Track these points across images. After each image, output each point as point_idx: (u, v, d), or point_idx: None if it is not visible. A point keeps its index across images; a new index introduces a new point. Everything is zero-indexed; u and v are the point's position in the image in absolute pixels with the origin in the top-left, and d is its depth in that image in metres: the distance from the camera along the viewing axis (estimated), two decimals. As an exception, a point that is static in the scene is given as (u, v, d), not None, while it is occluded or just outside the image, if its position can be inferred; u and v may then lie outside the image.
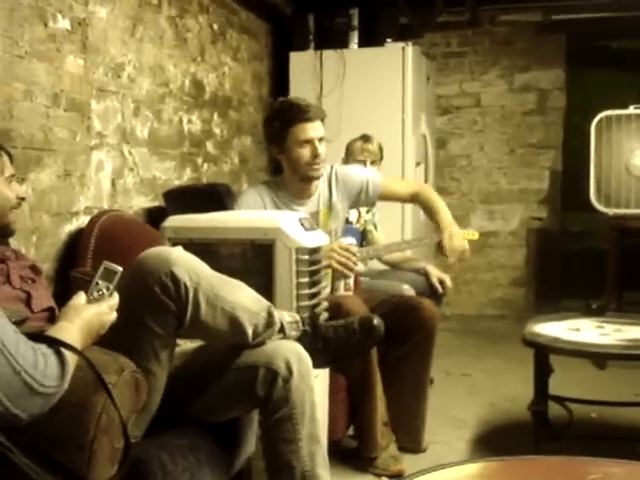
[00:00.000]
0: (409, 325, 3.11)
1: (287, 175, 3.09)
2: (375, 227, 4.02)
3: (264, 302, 2.07)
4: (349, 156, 4.09)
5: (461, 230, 3.93)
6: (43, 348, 1.43)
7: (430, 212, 3.31)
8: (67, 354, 1.46)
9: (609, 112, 4.81)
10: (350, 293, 2.94)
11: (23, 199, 2.17)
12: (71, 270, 2.99)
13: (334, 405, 2.81)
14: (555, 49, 6.10)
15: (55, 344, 1.47)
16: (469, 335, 4.88)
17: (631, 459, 1.74)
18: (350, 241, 3.09)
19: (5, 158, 2.11)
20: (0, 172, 2.07)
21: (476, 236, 4.23)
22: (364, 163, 3.99)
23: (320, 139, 3.00)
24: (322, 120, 3.04)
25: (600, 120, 4.82)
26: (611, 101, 5.03)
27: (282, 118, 3.01)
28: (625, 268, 4.78)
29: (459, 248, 3.22)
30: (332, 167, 3.23)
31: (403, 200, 3.54)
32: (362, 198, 3.25)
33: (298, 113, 3.01)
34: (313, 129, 2.99)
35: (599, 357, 3.31)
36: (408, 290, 3.72)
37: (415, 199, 3.36)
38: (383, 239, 3.96)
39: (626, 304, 4.69)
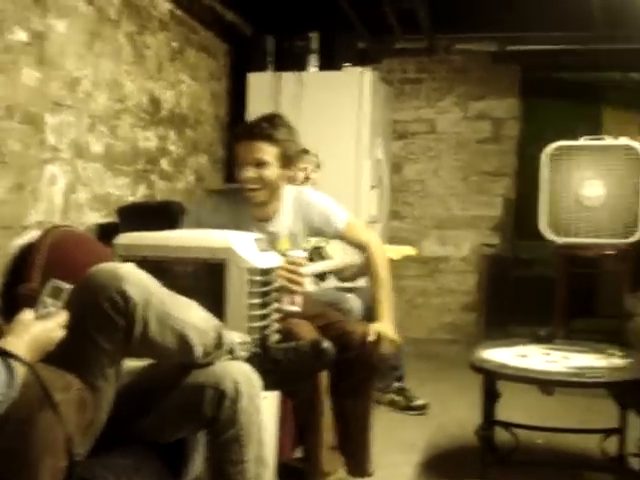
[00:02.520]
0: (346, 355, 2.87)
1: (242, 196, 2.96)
2: (327, 242, 3.99)
3: (214, 322, 2.06)
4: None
5: (397, 247, 3.96)
6: None
7: (375, 292, 3.09)
8: (15, 364, 1.44)
9: (561, 143, 4.90)
10: (296, 309, 2.84)
11: None
12: (18, 286, 2.94)
13: (282, 426, 2.80)
14: (510, 79, 6.22)
15: (2, 354, 1.45)
16: (419, 359, 4.91)
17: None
18: (299, 254, 3.00)
19: None
20: None
21: (413, 251, 4.29)
22: (305, 170, 4.03)
23: (258, 163, 2.83)
24: (270, 141, 2.84)
25: (552, 150, 4.91)
26: (564, 131, 5.14)
27: (233, 132, 2.99)
28: (573, 296, 4.86)
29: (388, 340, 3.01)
30: (299, 191, 3.11)
31: (357, 248, 3.25)
32: (322, 232, 3.13)
33: (238, 132, 2.94)
34: (247, 150, 2.84)
35: (545, 383, 3.35)
36: (353, 299, 3.74)
37: (367, 259, 3.13)
38: (339, 251, 3.97)
39: (574, 331, 4.76)
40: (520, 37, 5.77)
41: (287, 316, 2.74)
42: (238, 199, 2.95)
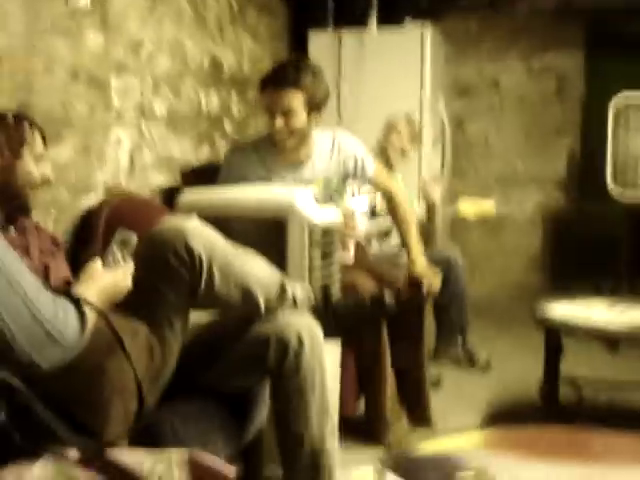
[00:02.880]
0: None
1: (271, 141, 2.98)
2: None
3: (277, 274, 2.10)
4: (388, 130, 4.20)
5: (476, 200, 3.97)
6: (64, 302, 1.47)
7: (405, 237, 3.23)
8: (86, 310, 1.50)
9: (628, 93, 4.79)
10: (348, 254, 2.91)
11: (48, 181, 2.13)
12: (84, 251, 3.02)
13: (345, 381, 2.84)
14: (574, 33, 6.07)
15: (75, 300, 1.51)
16: (482, 317, 4.89)
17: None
18: (352, 204, 3.07)
19: (37, 135, 2.10)
20: (30, 148, 2.05)
21: (492, 209, 4.28)
22: (400, 139, 4.09)
23: (285, 112, 2.83)
24: (296, 87, 2.83)
25: (618, 104, 4.80)
26: (630, 86, 5.01)
27: (260, 80, 2.96)
28: (638, 254, 4.78)
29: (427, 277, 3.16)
30: (334, 136, 3.11)
31: (383, 193, 3.35)
32: (354, 175, 3.15)
33: (266, 78, 2.94)
34: (273, 99, 2.85)
35: (609, 337, 3.32)
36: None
37: (393, 205, 3.24)
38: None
39: (638, 288, 4.69)
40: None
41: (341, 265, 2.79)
42: (268, 146, 2.96)
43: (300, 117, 2.87)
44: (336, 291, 2.61)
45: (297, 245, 2.44)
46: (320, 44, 5.39)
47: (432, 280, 3.14)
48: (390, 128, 4.19)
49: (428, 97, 5.23)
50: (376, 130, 4.95)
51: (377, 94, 5.18)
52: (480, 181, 6.35)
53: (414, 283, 3.10)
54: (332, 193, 3.07)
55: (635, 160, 4.78)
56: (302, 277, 2.42)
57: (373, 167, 3.16)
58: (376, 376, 2.94)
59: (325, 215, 2.57)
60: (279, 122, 2.85)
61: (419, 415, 3.19)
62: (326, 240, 2.53)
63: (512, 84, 6.27)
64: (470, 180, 6.33)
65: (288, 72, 2.88)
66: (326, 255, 2.53)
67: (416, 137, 4.22)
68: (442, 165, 5.39)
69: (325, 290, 2.39)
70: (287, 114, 2.84)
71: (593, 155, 5.32)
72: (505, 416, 3.45)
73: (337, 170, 3.08)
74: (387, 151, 4.15)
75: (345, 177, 3.15)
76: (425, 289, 3.09)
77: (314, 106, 2.90)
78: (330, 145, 3.07)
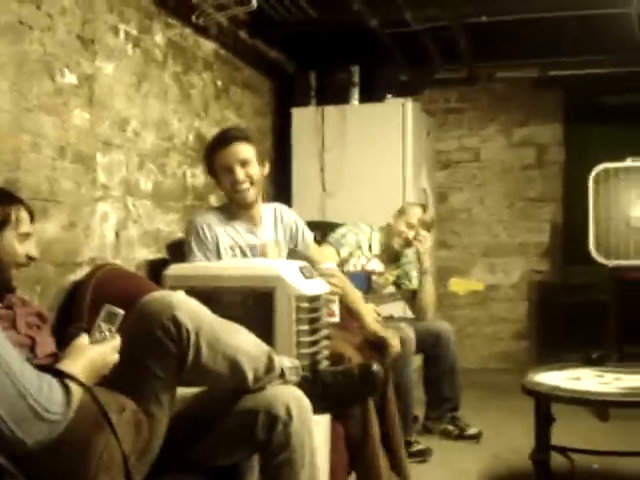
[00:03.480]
0: None
1: (228, 207, 3.12)
2: (410, 280, 4.22)
3: (264, 347, 2.10)
4: (401, 215, 4.17)
5: (466, 280, 4.02)
6: (48, 377, 1.46)
7: (352, 305, 3.30)
8: (71, 385, 1.48)
9: (607, 165, 4.88)
10: (334, 319, 2.92)
11: (33, 259, 2.14)
12: (69, 325, 3.00)
13: (334, 454, 2.80)
14: (553, 104, 6.21)
15: (59, 375, 1.49)
16: (471, 388, 4.86)
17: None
18: (330, 265, 3.11)
19: (24, 214, 2.10)
20: (14, 226, 2.06)
21: (481, 286, 4.29)
22: (412, 228, 4.11)
23: (242, 163, 2.99)
24: (246, 141, 3.02)
25: (598, 173, 4.88)
26: (609, 155, 5.09)
27: (208, 148, 3.12)
28: (626, 320, 4.79)
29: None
30: (275, 206, 3.26)
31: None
32: (295, 241, 3.25)
33: (216, 141, 3.09)
34: (229, 154, 3.00)
35: (599, 405, 3.32)
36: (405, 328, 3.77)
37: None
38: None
39: (627, 356, 4.69)
40: (562, 62, 5.76)
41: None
42: (228, 209, 3.10)
43: (255, 167, 3.04)
44: (324, 362, 2.59)
45: (284, 316, 2.43)
46: (303, 119, 5.48)
47: (392, 339, 3.31)
48: (401, 214, 4.18)
49: (410, 169, 5.31)
50: (359, 201, 5.03)
51: (360, 166, 5.26)
52: (465, 251, 6.40)
53: (374, 345, 3.24)
54: (286, 256, 3.18)
55: (616, 228, 4.83)
56: (290, 349, 2.41)
57: (311, 237, 3.31)
58: (367, 449, 2.90)
59: (311, 286, 2.57)
60: (240, 172, 3.00)
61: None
62: (313, 310, 2.52)
63: (493, 155, 6.38)
64: (455, 251, 6.37)
65: (235, 131, 3.15)
66: (314, 325, 2.52)
67: (428, 228, 4.21)
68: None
69: (313, 362, 2.39)
70: (245, 164, 3.01)
71: (576, 222, 5.38)
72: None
73: (283, 236, 3.21)
74: (391, 236, 4.15)
75: (290, 243, 3.25)
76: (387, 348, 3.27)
77: (261, 160, 3.09)
78: (272, 214, 3.21)
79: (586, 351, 3.52)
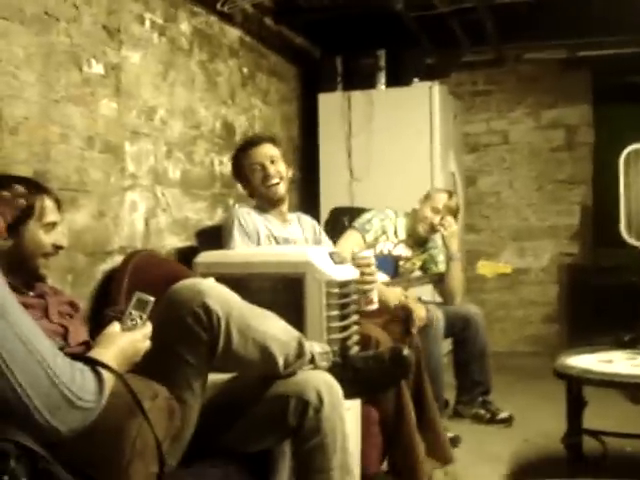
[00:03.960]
0: None
1: (259, 204, 3.25)
2: (436, 264, 4.21)
3: (294, 332, 2.10)
4: (427, 201, 4.15)
5: (494, 263, 4.01)
6: (80, 365, 1.47)
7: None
8: (103, 372, 1.50)
9: (637, 146, 4.82)
10: (373, 307, 2.96)
11: (61, 248, 2.15)
12: (105, 309, 3.04)
13: (367, 438, 2.81)
14: (581, 85, 6.15)
15: (92, 363, 1.51)
16: (502, 372, 4.84)
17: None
18: (367, 253, 3.13)
19: (48, 202, 2.11)
20: (39, 217, 2.08)
21: (509, 269, 4.27)
22: (438, 213, 4.10)
23: (272, 160, 3.20)
24: (273, 142, 3.29)
25: (629, 154, 4.83)
26: (639, 135, 5.04)
27: (237, 151, 3.35)
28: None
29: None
30: (297, 213, 3.44)
31: None
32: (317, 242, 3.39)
33: (244, 144, 3.34)
34: (260, 152, 3.21)
35: (632, 387, 3.28)
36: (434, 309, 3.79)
37: None
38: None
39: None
40: (590, 42, 5.68)
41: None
42: (263, 207, 3.24)
43: (283, 165, 3.24)
44: (354, 347, 2.60)
45: (315, 302, 2.44)
46: (330, 104, 5.47)
47: (418, 310, 3.47)
48: (426, 200, 4.17)
49: (438, 153, 5.28)
50: (387, 186, 5.01)
51: (387, 151, 5.24)
52: (494, 235, 6.36)
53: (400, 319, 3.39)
54: None
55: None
56: (320, 335, 2.41)
57: (330, 242, 3.48)
58: (402, 433, 2.91)
59: (341, 271, 2.57)
60: (270, 167, 3.19)
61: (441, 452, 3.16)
62: (343, 296, 2.53)
63: (522, 137, 6.32)
64: (484, 235, 6.34)
65: (262, 135, 3.52)
66: (344, 311, 2.53)
67: (453, 214, 4.19)
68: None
69: (343, 348, 2.40)
70: (274, 162, 3.21)
71: (606, 204, 5.33)
72: (529, 471, 3.39)
73: (310, 236, 3.36)
74: (417, 221, 4.14)
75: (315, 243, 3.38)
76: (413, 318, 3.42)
77: (287, 162, 3.32)
78: (295, 217, 3.39)
79: (618, 334, 3.50)
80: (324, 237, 3.44)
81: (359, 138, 5.35)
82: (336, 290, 2.49)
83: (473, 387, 4.20)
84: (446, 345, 4.19)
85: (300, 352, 2.08)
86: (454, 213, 4.19)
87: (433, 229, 4.12)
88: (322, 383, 2.05)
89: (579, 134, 6.23)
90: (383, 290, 3.49)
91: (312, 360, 2.12)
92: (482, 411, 4.19)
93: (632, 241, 4.79)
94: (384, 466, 3.14)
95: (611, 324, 5.24)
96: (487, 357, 4.20)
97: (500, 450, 3.66)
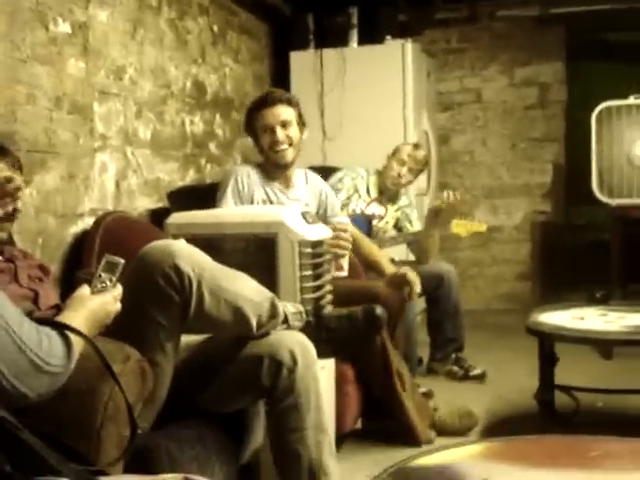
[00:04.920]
0: None
1: (264, 165, 3.19)
2: (411, 223, 4.25)
3: (267, 293, 2.10)
4: (394, 155, 4.17)
5: (468, 222, 4.02)
6: (47, 330, 1.46)
7: (367, 254, 3.44)
8: (71, 336, 1.48)
9: (609, 103, 4.82)
10: (343, 273, 2.95)
11: (15, 212, 2.00)
12: (77, 272, 3.01)
13: (342, 397, 2.82)
14: (555, 42, 6.12)
15: (59, 327, 1.49)
16: (475, 329, 4.88)
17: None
18: (343, 220, 3.13)
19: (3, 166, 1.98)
20: None
21: (483, 228, 4.29)
22: (403, 164, 4.10)
23: (283, 124, 3.08)
24: (288, 103, 3.12)
25: (601, 111, 4.83)
26: (612, 93, 5.04)
27: (250, 108, 3.21)
28: (629, 259, 4.79)
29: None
30: (305, 172, 3.35)
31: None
32: (324, 207, 3.33)
33: (259, 101, 3.19)
34: (271, 115, 3.08)
35: (603, 344, 3.33)
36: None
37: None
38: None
39: (631, 295, 4.69)
40: (563, -1, 5.67)
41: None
42: (266, 170, 3.16)
43: (295, 130, 3.13)
44: (328, 307, 2.60)
45: (287, 262, 2.43)
46: (302, 63, 5.41)
47: (412, 277, 3.29)
48: (394, 154, 4.19)
49: (411, 111, 5.25)
50: (360, 145, 4.99)
51: (360, 110, 5.20)
52: (467, 194, 6.36)
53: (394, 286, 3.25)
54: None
55: (620, 166, 4.80)
56: (293, 295, 2.41)
57: (338, 205, 3.46)
58: (389, 389, 2.94)
59: (314, 231, 2.56)
60: (280, 133, 3.08)
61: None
62: (316, 256, 2.52)
63: (495, 95, 6.30)
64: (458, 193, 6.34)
65: (279, 93, 3.21)
66: (317, 271, 2.52)
67: (420, 165, 4.21)
68: (428, 180, 5.39)
69: (316, 307, 2.39)
70: (285, 126, 3.10)
71: (579, 162, 5.34)
72: (502, 427, 3.43)
73: (312, 200, 3.29)
74: (385, 176, 4.16)
75: (318, 207, 3.32)
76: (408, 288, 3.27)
77: (302, 123, 3.17)
78: (304, 177, 3.31)
79: (590, 290, 3.53)
80: (334, 202, 3.39)
81: (331, 97, 5.30)
82: (309, 250, 2.48)
83: (446, 344, 4.23)
84: (420, 303, 4.20)
85: (273, 312, 2.07)
86: (420, 164, 4.21)
87: (400, 182, 4.14)
88: (295, 343, 2.05)
89: (552, 92, 6.21)
90: (376, 254, 3.48)
91: (285, 320, 2.11)
92: (455, 368, 4.23)
93: (603, 198, 4.81)
94: (359, 424, 3.18)
95: (584, 281, 5.31)
96: (460, 315, 4.23)
97: (474, 406, 3.68)
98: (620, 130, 4.81)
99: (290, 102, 3.14)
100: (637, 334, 2.94)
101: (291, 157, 3.12)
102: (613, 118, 4.80)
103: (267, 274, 2.39)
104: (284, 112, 3.10)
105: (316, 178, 3.37)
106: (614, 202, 4.79)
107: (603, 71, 6.02)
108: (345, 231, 2.96)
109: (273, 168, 3.15)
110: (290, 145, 3.10)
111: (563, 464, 1.66)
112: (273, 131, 3.08)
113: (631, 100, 4.81)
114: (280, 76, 5.57)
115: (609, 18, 5.73)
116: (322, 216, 3.23)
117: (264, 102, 3.14)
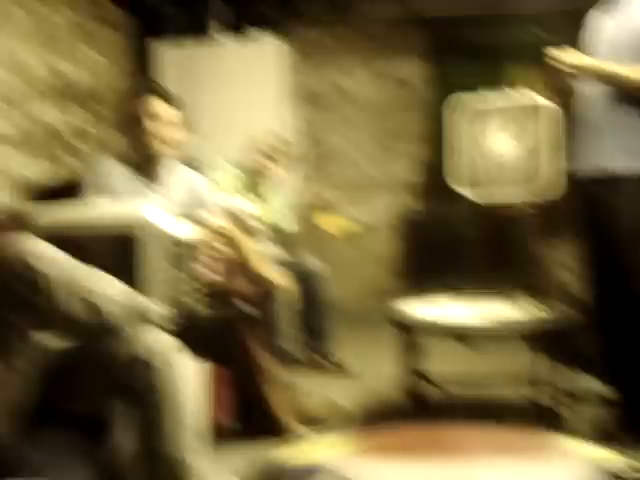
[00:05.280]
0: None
1: (134, 155, 3.07)
2: (278, 218, 4.29)
3: (127, 291, 2.05)
4: (258, 149, 4.23)
5: (335, 217, 4.05)
6: None
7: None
8: None
9: (460, 98, 4.96)
10: (218, 278, 2.90)
11: None
12: None
13: (217, 397, 2.81)
14: (417, 41, 6.27)
15: None
16: (343, 322, 4.93)
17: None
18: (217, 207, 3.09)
19: None
20: None
21: (350, 223, 4.37)
22: (268, 159, 4.17)
23: (159, 117, 2.98)
24: (164, 98, 3.02)
25: (454, 105, 4.97)
26: (470, 90, 5.19)
27: (125, 98, 3.19)
28: (488, 250, 4.95)
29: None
30: (180, 165, 3.23)
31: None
32: (197, 202, 3.20)
33: (142, 88, 3.11)
34: (148, 107, 2.98)
35: (462, 334, 3.43)
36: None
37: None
38: None
39: (489, 283, 4.85)
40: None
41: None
42: (130, 162, 3.03)
43: (173, 127, 3.03)
44: (197, 307, 2.56)
45: (150, 259, 2.37)
46: (165, 54, 5.33)
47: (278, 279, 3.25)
48: (258, 148, 4.18)
49: (277, 107, 5.26)
50: (225, 139, 4.95)
51: (224, 105, 5.17)
52: (333, 188, 6.43)
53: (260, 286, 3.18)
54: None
55: (472, 160, 4.94)
56: (160, 294, 2.35)
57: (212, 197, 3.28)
58: (258, 391, 2.93)
59: (182, 229, 2.51)
60: (157, 126, 2.98)
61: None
62: (184, 255, 2.47)
63: (360, 91, 6.39)
64: (323, 188, 6.39)
65: (163, 88, 3.11)
66: (186, 270, 2.47)
67: (284, 156, 4.22)
68: (295, 175, 5.40)
69: (184, 308, 2.35)
70: (160, 119, 2.99)
71: (440, 158, 5.48)
72: (369, 417, 3.49)
73: (183, 194, 3.14)
74: (249, 170, 4.16)
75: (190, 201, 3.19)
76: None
77: (180, 124, 3.07)
78: (176, 170, 3.17)
79: (450, 282, 3.63)
80: (203, 193, 3.22)
81: (194, 90, 5.23)
82: (176, 248, 2.43)
83: (315, 337, 4.27)
84: (289, 297, 4.21)
85: (134, 311, 2.02)
86: (281, 153, 4.24)
87: (261, 172, 4.16)
88: (157, 342, 2.01)
89: (415, 88, 6.36)
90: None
91: (148, 319, 2.07)
92: (322, 360, 4.27)
93: (460, 191, 4.95)
94: (232, 423, 3.16)
95: (446, 273, 5.46)
96: (327, 308, 4.28)
97: (338, 397, 3.73)
98: (475, 126, 4.95)
99: (173, 101, 3.07)
100: (495, 324, 3.04)
101: (164, 153, 3.03)
102: (469, 114, 4.94)
103: (132, 273, 2.32)
104: (159, 106, 3.01)
105: (185, 171, 3.26)
106: (471, 195, 4.93)
107: (462, 69, 6.21)
108: (221, 233, 2.90)
109: (142, 161, 3.04)
110: (163, 140, 3.01)
111: (422, 454, 1.70)
112: (146, 123, 2.97)
113: (483, 95, 4.96)
114: (143, 68, 5.46)
115: (472, 20, 5.91)
116: (193, 209, 3.15)
117: (149, 91, 3.06)
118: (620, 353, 3.04)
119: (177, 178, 3.17)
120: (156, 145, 2.99)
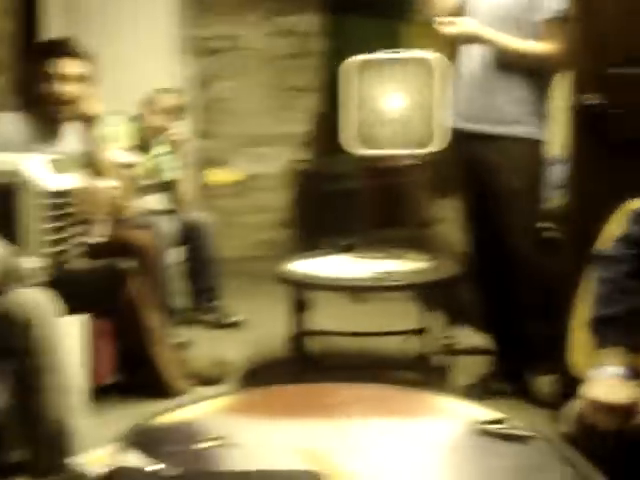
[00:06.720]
0: None
1: (35, 113, 2.93)
2: (165, 171, 4.21)
3: (1, 250, 1.97)
4: (148, 102, 4.15)
5: (225, 171, 4.00)
6: None
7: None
8: None
9: (359, 57, 4.95)
10: (99, 239, 2.83)
11: None
12: None
13: (97, 351, 2.76)
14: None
15: None
16: (233, 277, 4.91)
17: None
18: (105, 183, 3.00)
19: None
20: None
21: (240, 177, 4.34)
22: (157, 112, 4.10)
23: (67, 77, 2.86)
24: (74, 56, 2.90)
25: (351, 64, 4.95)
26: (368, 47, 5.17)
27: (36, 50, 3.04)
28: (378, 207, 5.00)
29: None
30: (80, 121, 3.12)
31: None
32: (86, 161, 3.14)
33: (48, 46, 2.99)
34: (57, 65, 2.86)
35: (349, 290, 3.50)
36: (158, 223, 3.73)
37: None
38: None
39: (379, 241, 4.90)
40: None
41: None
42: (29, 117, 2.90)
43: (81, 86, 2.92)
44: (75, 261, 2.49)
45: (27, 214, 2.29)
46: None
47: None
48: (149, 103, 4.10)
49: (170, 56, 5.14)
50: (113, 91, 4.80)
51: (112, 53, 4.99)
52: (226, 141, 6.35)
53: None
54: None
55: (367, 118, 4.95)
56: (35, 249, 2.28)
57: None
58: (142, 342, 2.90)
59: (60, 181, 2.43)
60: (63, 85, 2.86)
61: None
62: (60, 207, 2.40)
63: (255, 43, 6.30)
64: (217, 141, 6.31)
65: (73, 43, 2.96)
66: (61, 223, 2.40)
67: (176, 112, 4.15)
68: (187, 127, 5.31)
69: (60, 262, 2.29)
70: (70, 81, 2.88)
71: (335, 113, 5.48)
72: (259, 374, 3.51)
73: (79, 152, 3.05)
74: (141, 126, 4.07)
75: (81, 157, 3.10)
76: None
77: (89, 81, 2.97)
78: (76, 128, 3.07)
79: (338, 238, 3.66)
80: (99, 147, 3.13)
81: (84, 32, 5.03)
82: (53, 201, 2.36)
83: (203, 293, 4.25)
84: (177, 252, 4.17)
85: (9, 268, 1.95)
86: (178, 113, 4.17)
87: (157, 131, 4.07)
88: (33, 301, 1.95)
89: (311, 42, 6.31)
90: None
91: (23, 277, 2.00)
92: (213, 316, 4.25)
93: (352, 149, 4.96)
94: (114, 378, 3.12)
95: (339, 229, 5.48)
96: (217, 264, 4.25)
97: (231, 354, 3.73)
98: (369, 83, 4.94)
99: (83, 57, 2.94)
100: (382, 280, 3.07)
101: (68, 114, 2.92)
102: (363, 72, 4.93)
103: (5, 227, 2.24)
104: (75, 65, 2.89)
105: (80, 126, 3.12)
106: (363, 152, 4.95)
107: (361, 24, 6.17)
108: (98, 187, 2.82)
109: (43, 117, 2.91)
110: (71, 101, 2.90)
111: (299, 413, 1.71)
112: (52, 82, 2.85)
113: (380, 54, 4.96)
114: (29, 10, 5.20)
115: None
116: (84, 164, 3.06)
117: (56, 49, 2.91)
118: (496, 305, 3.18)
119: (74, 133, 3.07)
120: (60, 104, 2.88)
